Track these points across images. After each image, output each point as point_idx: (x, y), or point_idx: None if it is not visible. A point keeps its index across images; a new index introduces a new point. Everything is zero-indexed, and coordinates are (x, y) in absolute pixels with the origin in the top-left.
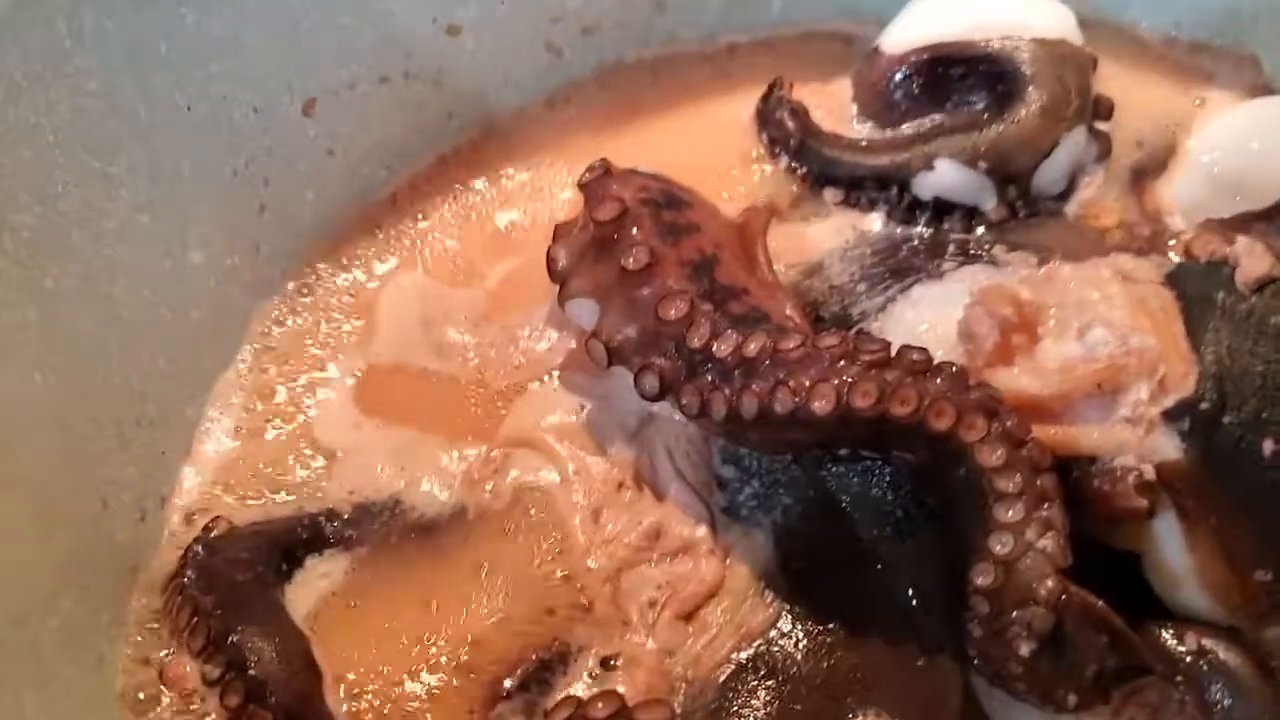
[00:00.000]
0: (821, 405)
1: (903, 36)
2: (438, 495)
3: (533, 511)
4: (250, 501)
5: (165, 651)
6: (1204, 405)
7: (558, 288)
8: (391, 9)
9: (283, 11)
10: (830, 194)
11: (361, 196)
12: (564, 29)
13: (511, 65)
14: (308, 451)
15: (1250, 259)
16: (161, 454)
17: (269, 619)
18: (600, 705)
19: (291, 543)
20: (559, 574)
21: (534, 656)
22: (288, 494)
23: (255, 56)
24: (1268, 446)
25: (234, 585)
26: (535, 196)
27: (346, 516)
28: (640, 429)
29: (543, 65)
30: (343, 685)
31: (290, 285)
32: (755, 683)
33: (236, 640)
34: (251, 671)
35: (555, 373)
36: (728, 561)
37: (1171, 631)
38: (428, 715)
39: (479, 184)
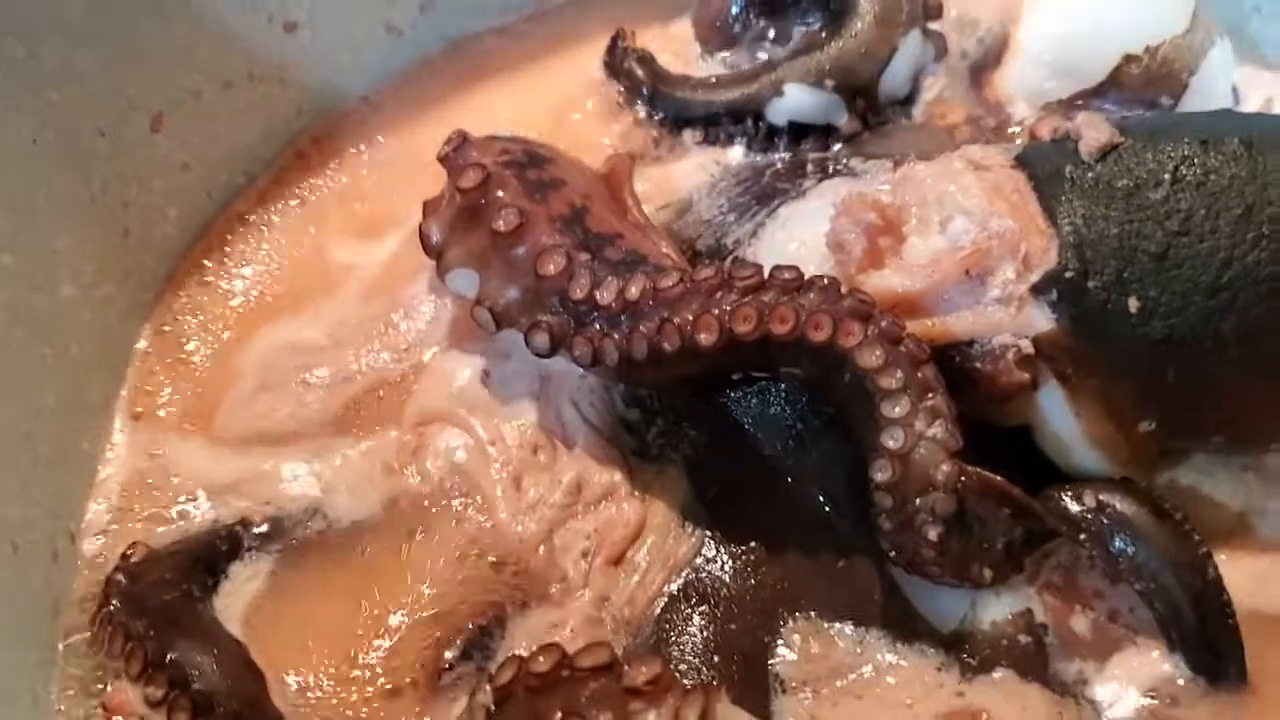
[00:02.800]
0: (706, 336)
1: None
2: (361, 494)
3: (456, 489)
4: (163, 525)
5: (101, 685)
6: (1068, 274)
7: (435, 263)
8: (224, 14)
9: (114, 31)
10: (689, 134)
11: (224, 206)
12: (401, 9)
13: (354, 52)
14: (213, 471)
15: (1092, 130)
16: (64, 490)
17: (202, 632)
18: (541, 659)
19: (212, 555)
20: (491, 546)
21: (471, 625)
22: (200, 512)
23: (93, 80)
24: (1133, 303)
25: (162, 606)
26: (398, 178)
27: (266, 527)
28: (544, 386)
29: (386, 47)
30: (287, 683)
31: (167, 306)
32: (689, 610)
33: (175, 658)
34: (195, 686)
35: (450, 347)
36: (646, 501)
37: (1070, 493)
38: (373, 698)
39: (339, 174)
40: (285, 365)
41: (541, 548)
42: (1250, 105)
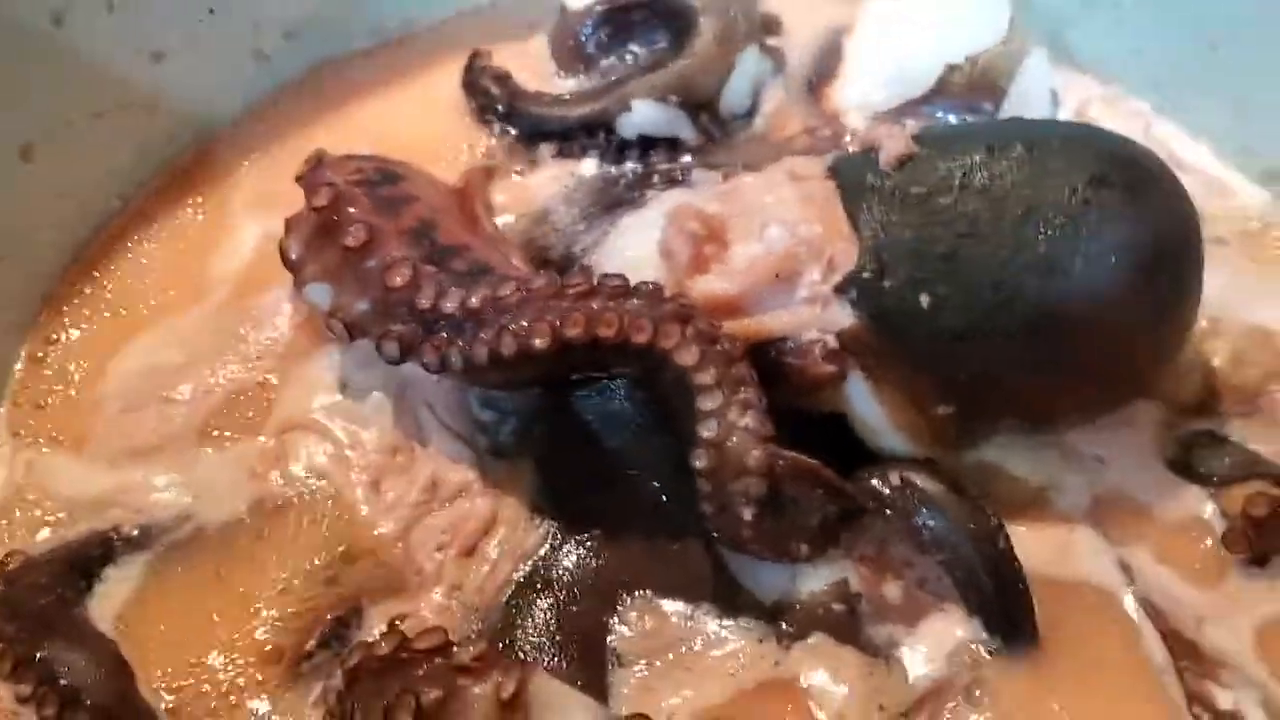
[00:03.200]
0: (541, 341)
1: None
2: (227, 499)
3: (319, 492)
4: (39, 534)
5: None
6: (867, 275)
7: (293, 277)
8: (93, 46)
9: None
10: (545, 148)
11: (97, 230)
12: (268, 36)
13: (221, 79)
14: (86, 484)
15: (890, 141)
16: None
17: (73, 632)
18: (383, 643)
19: (86, 560)
20: (351, 545)
21: (330, 617)
22: (75, 521)
23: None
24: (925, 300)
25: (36, 610)
26: (263, 199)
27: (136, 533)
28: (401, 392)
29: (252, 74)
30: (156, 677)
31: (43, 327)
32: (534, 596)
33: (44, 656)
34: (63, 681)
35: (310, 358)
36: (498, 496)
37: (877, 473)
38: (240, 686)
39: (206, 198)
40: (146, 386)
41: (399, 544)
42: (1068, 107)
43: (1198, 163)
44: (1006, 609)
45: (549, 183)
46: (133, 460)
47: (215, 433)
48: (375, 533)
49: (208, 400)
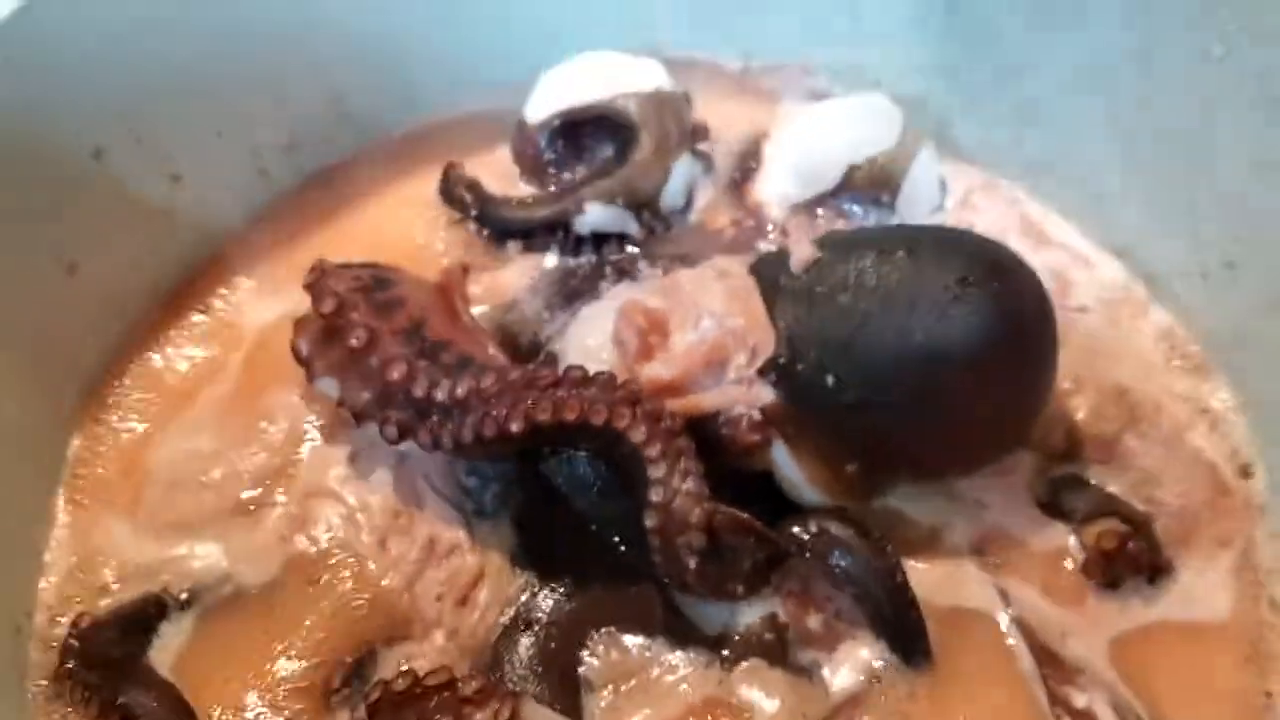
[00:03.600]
0: (517, 425)
1: (539, 108)
2: (262, 561)
3: (337, 549)
4: (102, 598)
5: None
6: (783, 360)
7: (305, 371)
8: (122, 170)
9: (40, 182)
10: (512, 245)
11: (131, 333)
12: (269, 153)
13: (230, 193)
14: (138, 554)
15: (797, 247)
16: (18, 574)
17: (144, 679)
18: (399, 680)
19: (144, 618)
20: (366, 596)
21: (350, 659)
22: (131, 585)
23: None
24: (829, 379)
25: (110, 661)
26: (268, 298)
27: (185, 595)
28: (400, 464)
29: (255, 186)
30: (212, 715)
31: (92, 416)
32: (518, 636)
33: (124, 700)
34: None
35: (326, 439)
36: (484, 551)
37: (799, 521)
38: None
39: (220, 300)
40: (187, 468)
41: (405, 595)
42: (954, 194)
43: (1065, 239)
44: (905, 633)
45: (517, 275)
46: (175, 534)
47: (251, 507)
48: (384, 584)
49: (237, 482)
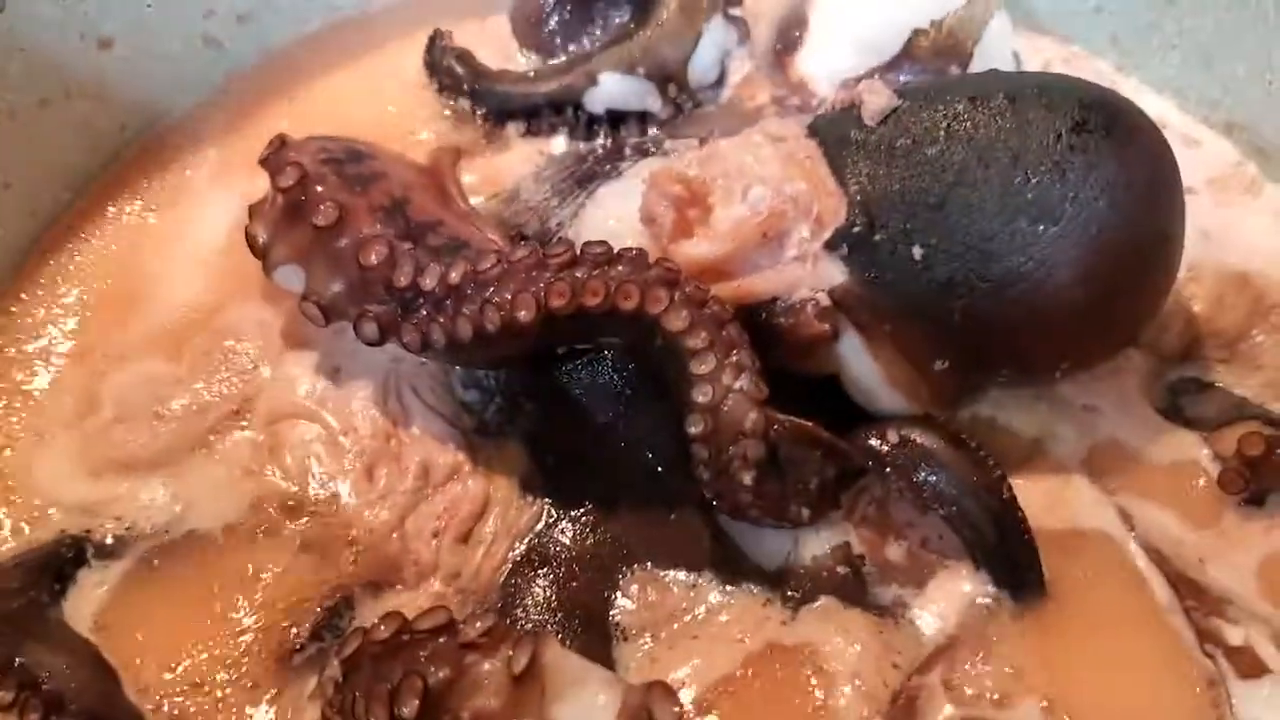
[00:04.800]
0: (525, 314)
1: None
2: (222, 501)
3: (312, 484)
4: (6, 539)
5: None
6: (856, 229)
7: (261, 262)
8: (36, 33)
9: None
10: (513, 127)
11: (49, 223)
12: (219, 22)
13: (173, 66)
14: (63, 492)
15: (872, 96)
16: None
17: (50, 636)
18: (383, 627)
19: (59, 562)
20: (347, 537)
21: (320, 609)
22: (47, 527)
23: None
24: (916, 251)
25: (7, 615)
26: (222, 186)
27: (110, 540)
28: (388, 378)
29: (205, 61)
30: (141, 680)
31: None
32: (532, 574)
33: (22, 662)
34: (45, 686)
35: (294, 350)
36: (489, 476)
37: (875, 431)
38: (229, 685)
39: (165, 188)
40: (138, 397)
41: (395, 534)
42: (1030, 68)
43: (1163, 117)
44: (1013, 562)
45: (519, 162)
46: (119, 473)
47: (211, 438)
48: (370, 521)
49: (201, 418)
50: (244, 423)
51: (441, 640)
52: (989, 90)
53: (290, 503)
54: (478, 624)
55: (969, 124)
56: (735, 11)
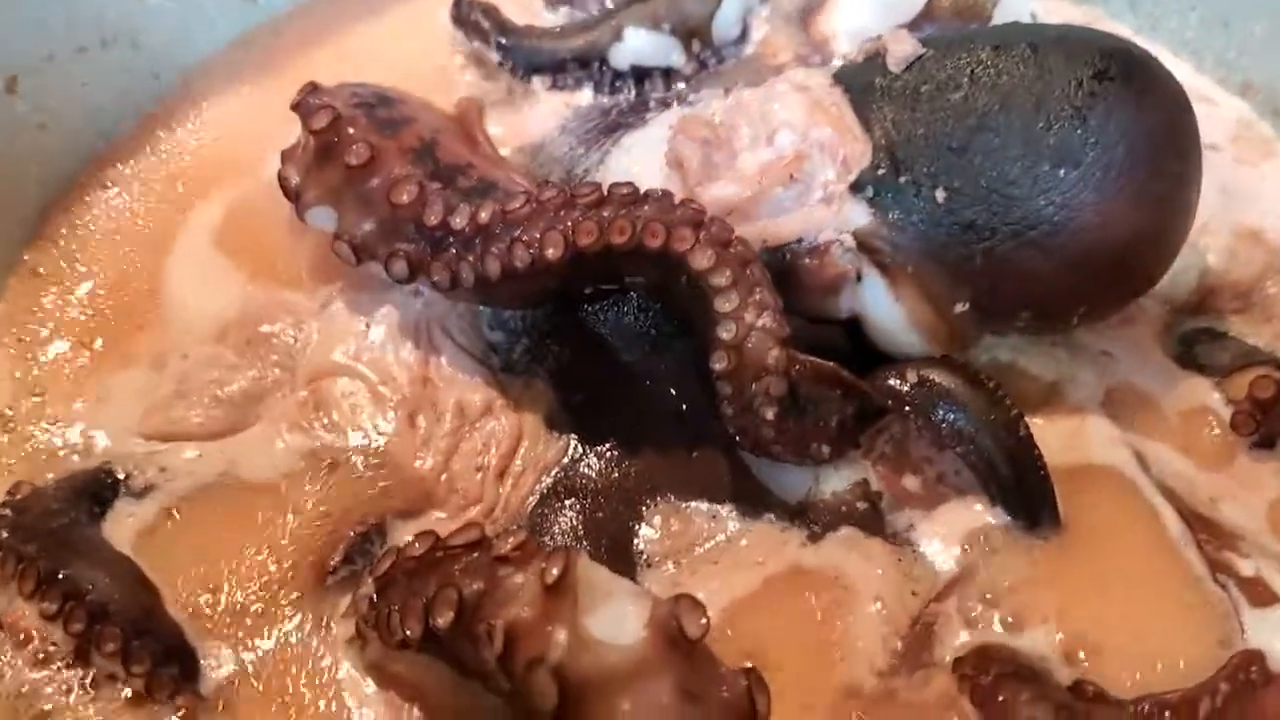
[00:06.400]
0: (554, 252)
1: None
2: (272, 456)
3: (359, 435)
4: (48, 468)
5: None
6: (881, 172)
7: (294, 204)
8: None
9: None
10: (539, 81)
11: (86, 163)
12: None
13: (206, 15)
14: (105, 434)
15: (896, 44)
16: None
17: (93, 551)
18: (416, 544)
19: (98, 487)
20: (394, 485)
21: (352, 533)
22: (88, 456)
23: None
24: (940, 194)
25: (50, 531)
26: (255, 134)
27: (153, 471)
28: (418, 325)
29: (237, 11)
30: (178, 599)
31: (31, 261)
32: (559, 504)
33: (68, 573)
34: (90, 596)
35: (330, 311)
36: (519, 411)
37: (894, 372)
38: (266, 602)
39: (198, 134)
40: (201, 378)
41: (443, 476)
42: None
43: (1180, 77)
44: (1028, 495)
45: (546, 116)
46: (167, 439)
47: (260, 410)
48: (420, 469)
49: (253, 397)
50: (288, 386)
51: (475, 555)
52: (1011, 39)
53: (336, 453)
54: (510, 540)
55: (992, 70)
56: None
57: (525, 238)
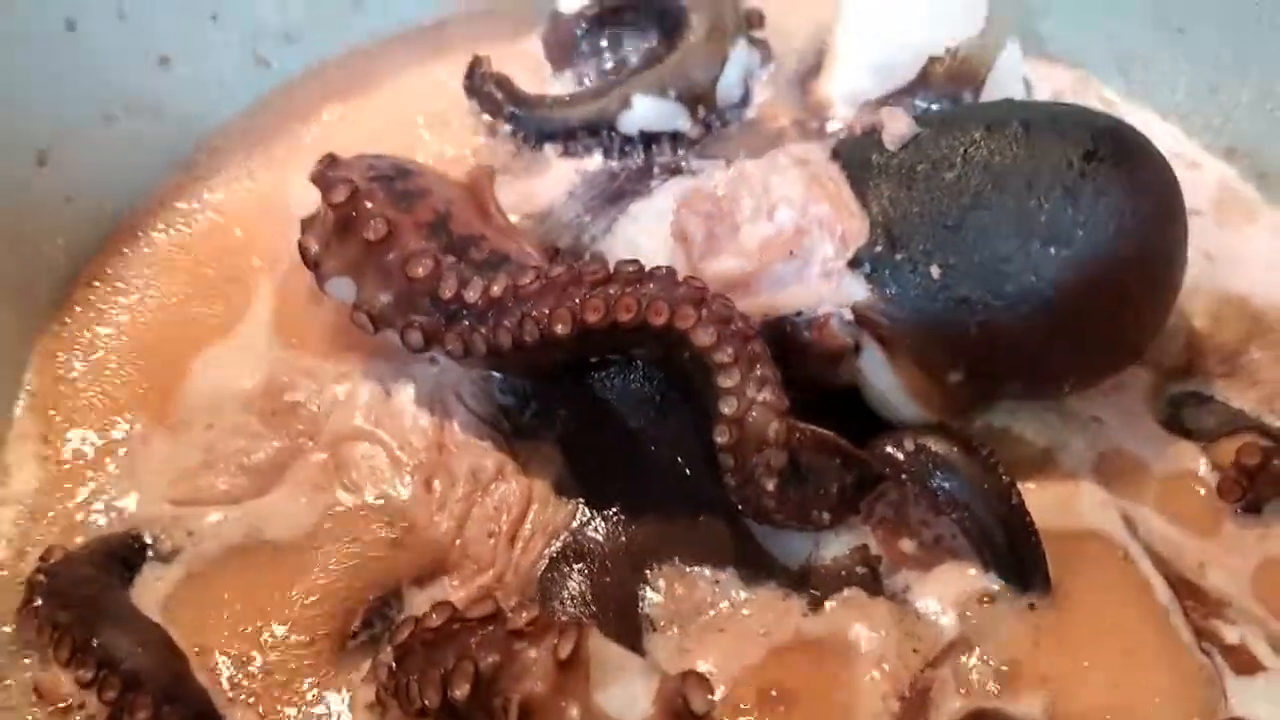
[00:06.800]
0: (562, 327)
1: None
2: (295, 517)
3: (377, 496)
4: (78, 534)
5: (30, 674)
6: (878, 248)
7: (313, 274)
8: (102, 48)
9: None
10: (550, 149)
11: (108, 233)
12: (270, 40)
13: (224, 84)
14: (132, 500)
15: (892, 122)
16: None
17: (125, 618)
18: (434, 615)
19: (127, 552)
20: (409, 548)
21: (370, 599)
22: (116, 520)
23: None
24: (934, 270)
25: (85, 598)
26: (272, 202)
27: (170, 547)
28: (434, 392)
29: (254, 78)
30: (206, 664)
31: (56, 331)
32: (568, 569)
33: (101, 641)
34: (124, 665)
35: (352, 379)
36: (529, 476)
37: (892, 440)
38: (288, 667)
39: (216, 202)
40: (227, 447)
41: (458, 541)
42: (1040, 95)
43: (1167, 142)
44: (1020, 561)
45: (556, 183)
46: (192, 504)
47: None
48: (435, 533)
49: (279, 472)
50: (310, 450)
51: (490, 628)
52: (1004, 118)
53: (356, 513)
54: (524, 614)
55: (985, 150)
56: (758, 34)
57: (535, 313)
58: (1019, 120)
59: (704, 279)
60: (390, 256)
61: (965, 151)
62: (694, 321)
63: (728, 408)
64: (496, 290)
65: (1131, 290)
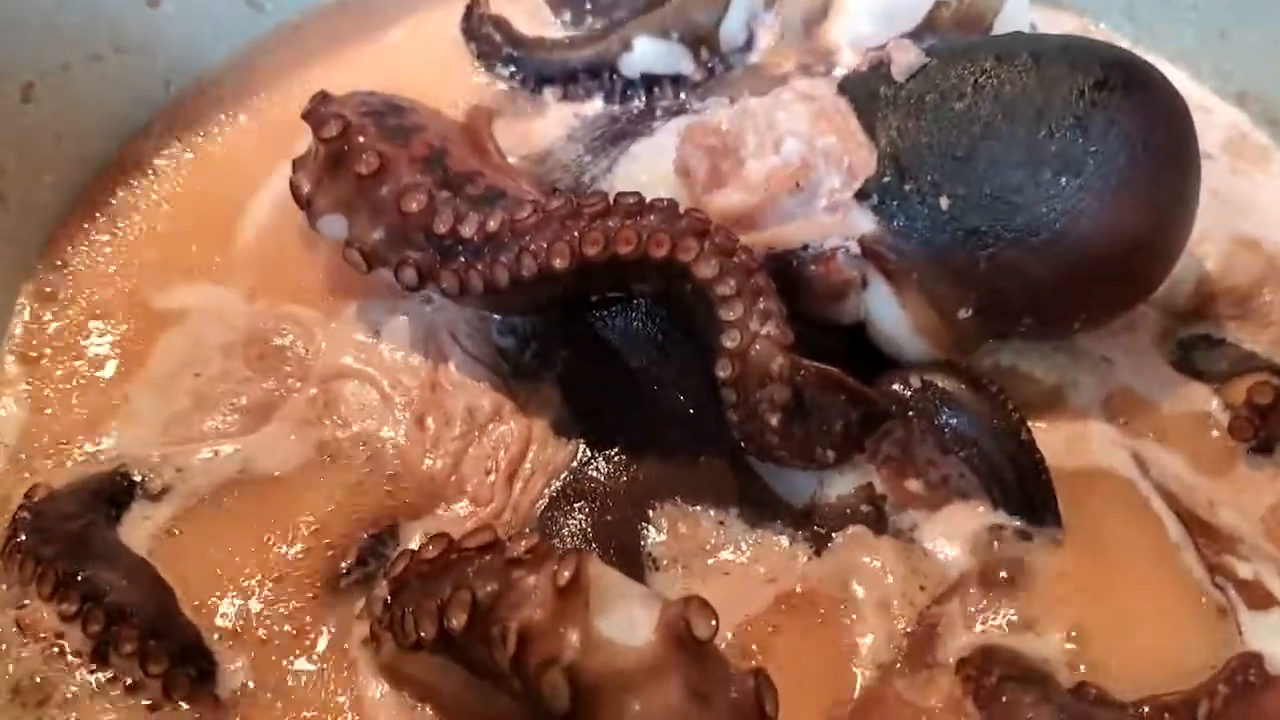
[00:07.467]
0: (560, 261)
1: None
2: (285, 451)
3: (368, 433)
4: (63, 473)
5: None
6: (886, 180)
7: (305, 212)
8: None
9: None
10: (550, 92)
11: (99, 173)
12: None
13: (216, 24)
14: (124, 436)
15: (901, 53)
16: None
17: (110, 553)
18: (430, 547)
19: (114, 490)
20: (406, 484)
21: (365, 535)
22: (103, 458)
23: None
24: (944, 202)
25: (69, 534)
26: (266, 142)
27: (160, 486)
28: (429, 328)
29: (247, 20)
30: (194, 599)
31: (44, 273)
32: (568, 507)
33: (85, 575)
34: (108, 598)
35: (341, 318)
36: (528, 416)
37: (898, 377)
38: (279, 604)
39: (209, 142)
40: (217, 389)
41: (452, 478)
42: None
43: (1177, 86)
44: (1030, 497)
45: (555, 126)
46: (182, 438)
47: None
48: (430, 470)
49: (268, 406)
50: (299, 387)
51: (488, 557)
52: (1014, 49)
53: (347, 448)
54: (523, 543)
55: (995, 80)
56: None
57: (533, 247)
58: (1029, 51)
59: (708, 214)
60: (383, 191)
61: (975, 81)
62: (696, 254)
63: (730, 341)
64: (493, 225)
65: (1143, 222)
